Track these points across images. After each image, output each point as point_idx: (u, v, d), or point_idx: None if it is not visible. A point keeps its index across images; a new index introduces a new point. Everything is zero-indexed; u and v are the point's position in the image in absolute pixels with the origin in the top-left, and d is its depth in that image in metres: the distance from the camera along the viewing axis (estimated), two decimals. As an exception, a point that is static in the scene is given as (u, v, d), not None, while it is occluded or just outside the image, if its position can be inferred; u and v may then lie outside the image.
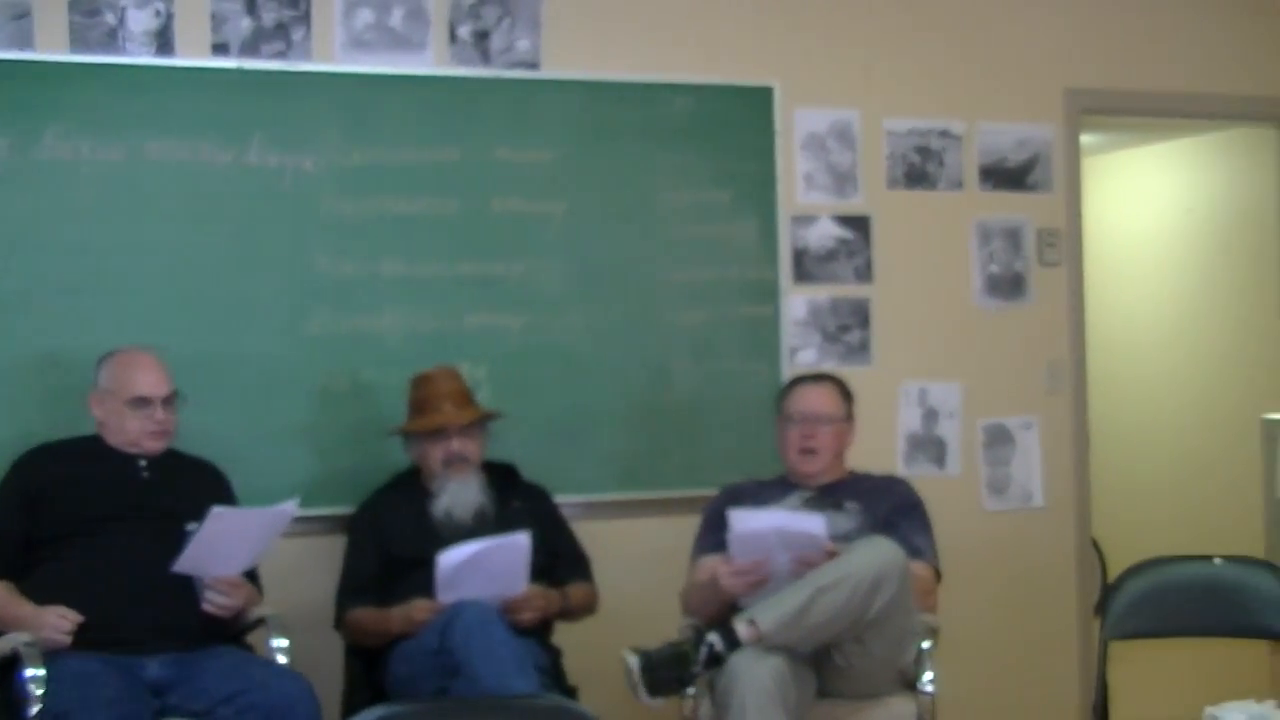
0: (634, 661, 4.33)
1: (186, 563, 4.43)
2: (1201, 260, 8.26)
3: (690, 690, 4.50)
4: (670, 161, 5.78)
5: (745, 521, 4.63)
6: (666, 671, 4.34)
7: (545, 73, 5.66)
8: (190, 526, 4.44)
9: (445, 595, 4.57)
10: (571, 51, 5.70)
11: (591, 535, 5.25)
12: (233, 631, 4.65)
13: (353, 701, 4.81)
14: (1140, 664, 5.60)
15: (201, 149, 5.25)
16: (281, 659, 4.57)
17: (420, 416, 5.02)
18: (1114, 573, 5.27)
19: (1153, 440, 8.33)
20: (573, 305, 5.64)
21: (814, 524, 4.59)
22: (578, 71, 5.69)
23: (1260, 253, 7.36)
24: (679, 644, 4.42)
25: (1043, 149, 6.34)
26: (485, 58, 5.61)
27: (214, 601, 4.50)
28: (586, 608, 5.07)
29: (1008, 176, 6.29)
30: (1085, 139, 6.70)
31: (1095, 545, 6.74)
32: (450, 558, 4.56)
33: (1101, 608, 5.06)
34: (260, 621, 4.70)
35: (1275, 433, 7.33)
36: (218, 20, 5.32)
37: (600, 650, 4.76)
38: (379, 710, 3.10)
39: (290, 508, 4.54)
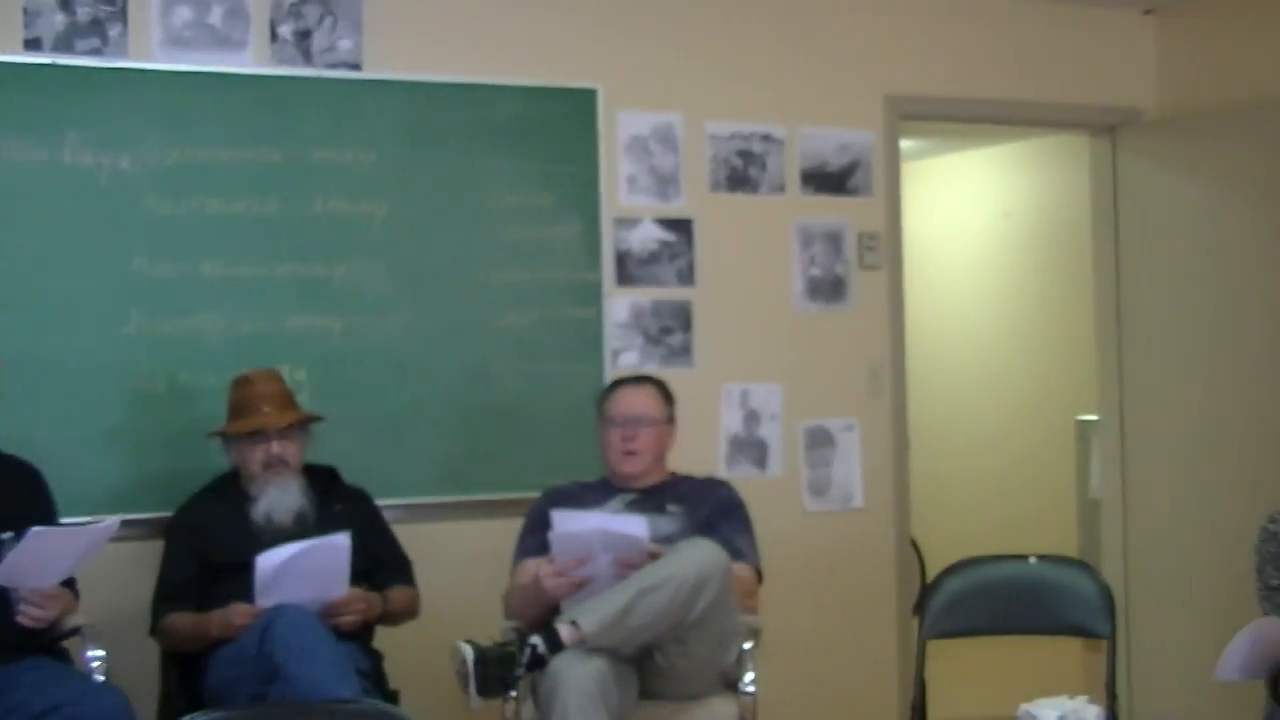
0: (469, 651, 4.31)
1: (0, 576, 4.33)
2: (1018, 264, 8.42)
3: (513, 693, 4.49)
4: (493, 163, 5.76)
5: (567, 522, 4.64)
6: (495, 670, 4.33)
7: (367, 73, 5.61)
8: (4, 536, 4.34)
9: (264, 599, 4.52)
10: (394, 52, 5.66)
11: (413, 538, 5.22)
12: (46, 640, 4.56)
13: (169, 710, 4.75)
14: (958, 662, 5.67)
15: (14, 147, 5.14)
16: (97, 670, 4.49)
17: (239, 419, 4.95)
18: (932, 573, 5.34)
19: (971, 441, 8.47)
20: (395, 307, 5.60)
21: (635, 526, 4.61)
22: (400, 72, 5.65)
23: (1074, 257, 7.50)
24: (506, 645, 4.41)
25: (863, 154, 6.41)
26: (306, 57, 5.55)
27: (29, 614, 4.40)
28: (408, 611, 5.04)
29: (829, 180, 6.34)
30: (905, 144, 6.79)
31: (914, 545, 6.82)
32: (269, 560, 4.52)
33: (920, 607, 5.13)
34: (75, 630, 4.62)
35: (1089, 433, 7.48)
36: (30, 15, 5.21)
37: (422, 654, 4.75)
38: (195, 718, 3.06)
39: (112, 524, 4.44)
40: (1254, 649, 3.95)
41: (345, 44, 5.60)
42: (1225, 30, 6.68)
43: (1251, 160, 6.38)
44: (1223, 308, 6.48)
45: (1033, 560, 5.05)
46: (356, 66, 5.61)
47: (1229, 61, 6.66)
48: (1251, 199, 6.37)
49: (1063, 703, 4.08)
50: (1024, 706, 4.08)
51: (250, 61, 5.48)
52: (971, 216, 8.71)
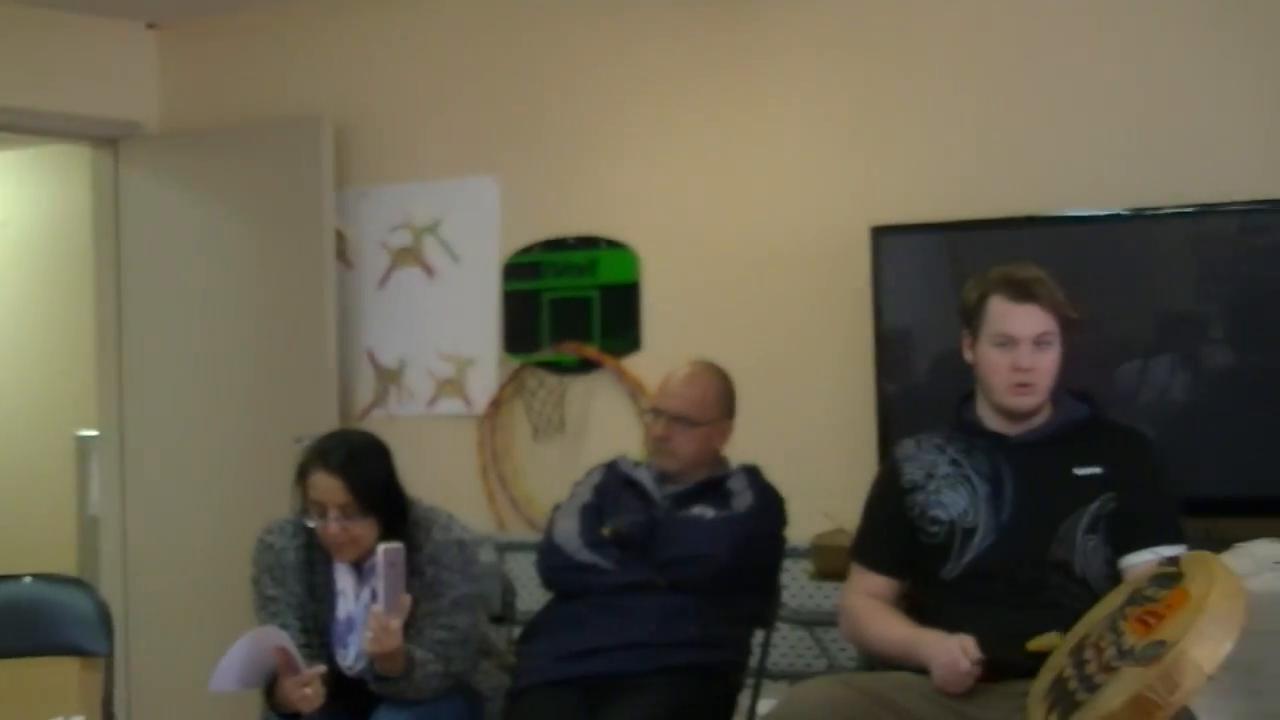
0: None
1: None
2: (16, 275, 8.25)
3: None
4: None
5: None
6: None
7: None
8: None
9: None
10: None
11: None
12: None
13: None
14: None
15: None
16: None
17: None
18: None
19: (-35, 458, 8.21)
20: None
21: None
22: None
23: (76, 269, 7.43)
24: None
25: None
26: None
27: None
28: None
29: None
30: (-105, 147, 6.50)
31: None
32: None
33: None
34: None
35: (88, 449, 7.42)
36: None
37: None
38: None
39: None
40: (250, 658, 4.03)
41: None
42: (226, 51, 6.84)
43: (247, 177, 6.56)
44: (221, 323, 6.61)
45: (28, 580, 4.95)
46: None
47: (229, 81, 6.82)
48: (248, 215, 6.54)
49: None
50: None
51: None
52: (-33, 225, 8.44)
